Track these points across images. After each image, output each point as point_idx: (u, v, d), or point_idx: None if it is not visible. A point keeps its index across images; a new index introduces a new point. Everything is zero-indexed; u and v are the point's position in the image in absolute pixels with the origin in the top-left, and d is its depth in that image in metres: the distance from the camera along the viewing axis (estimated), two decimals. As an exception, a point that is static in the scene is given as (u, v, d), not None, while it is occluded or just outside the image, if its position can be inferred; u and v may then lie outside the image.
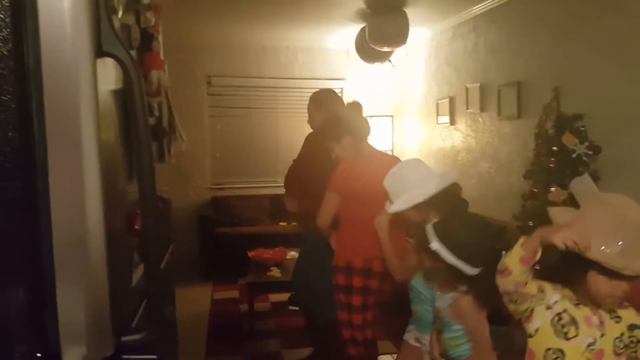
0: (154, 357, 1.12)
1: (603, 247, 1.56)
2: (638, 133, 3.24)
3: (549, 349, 1.70)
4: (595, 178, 3.35)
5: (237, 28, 6.04)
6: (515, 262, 1.65)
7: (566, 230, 1.58)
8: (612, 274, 1.57)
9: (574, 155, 3.42)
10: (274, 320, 4.66)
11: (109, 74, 1.25)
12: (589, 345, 1.67)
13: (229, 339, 4.27)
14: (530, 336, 1.75)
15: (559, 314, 1.70)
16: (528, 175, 3.76)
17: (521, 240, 1.67)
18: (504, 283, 1.71)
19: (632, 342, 1.69)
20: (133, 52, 1.48)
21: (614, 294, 1.62)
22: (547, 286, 1.74)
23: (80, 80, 1.03)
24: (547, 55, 4.08)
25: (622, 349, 1.69)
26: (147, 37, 1.75)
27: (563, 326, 1.69)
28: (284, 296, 4.95)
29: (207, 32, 6.18)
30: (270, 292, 4.99)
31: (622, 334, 1.70)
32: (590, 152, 3.41)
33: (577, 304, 1.71)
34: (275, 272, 4.53)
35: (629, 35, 3.28)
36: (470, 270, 1.92)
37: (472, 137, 5.29)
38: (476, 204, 5.00)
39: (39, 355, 1.04)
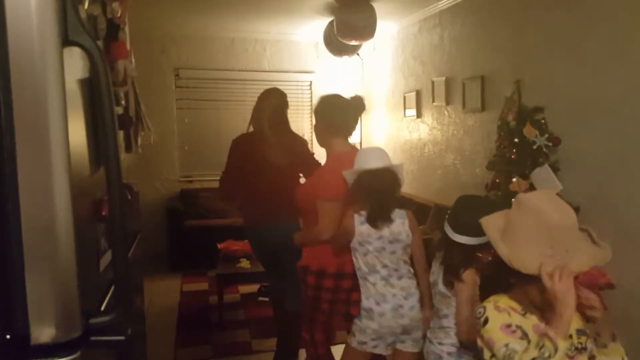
0: (122, 337, 1.15)
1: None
2: (595, 125, 3.35)
3: None
4: (555, 169, 3.46)
5: (205, 20, 6.02)
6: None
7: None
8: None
9: (534, 147, 3.50)
10: (243, 311, 4.69)
11: (75, 63, 1.27)
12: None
13: (198, 330, 4.29)
14: None
15: (514, 331, 1.58)
16: (491, 166, 3.84)
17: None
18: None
19: (577, 348, 1.61)
20: (99, 42, 1.50)
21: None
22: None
23: (47, 68, 1.05)
24: (509, 49, 4.18)
25: (573, 351, 1.59)
26: (114, 28, 1.77)
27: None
28: (253, 287, 4.99)
29: (175, 25, 6.15)
30: (240, 284, 5.02)
31: (570, 336, 1.59)
32: (550, 144, 3.51)
33: (524, 314, 1.61)
34: (244, 264, 4.57)
35: (584, 30, 3.39)
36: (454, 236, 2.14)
37: (438, 130, 5.39)
38: (442, 195, 5.13)
39: (7, 337, 1.06)
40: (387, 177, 2.47)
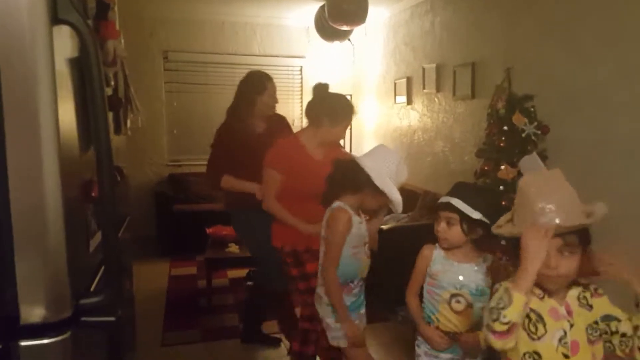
0: (112, 319, 1.15)
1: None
2: (583, 114, 3.37)
3: (524, 354, 1.63)
4: (543, 157, 3.47)
5: (195, 3, 5.95)
6: (519, 312, 1.49)
7: (535, 236, 1.50)
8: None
9: (523, 135, 3.52)
10: (232, 295, 4.70)
11: (65, 43, 1.25)
12: (560, 339, 1.61)
13: (186, 314, 4.29)
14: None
15: (527, 315, 1.60)
16: (480, 153, 3.85)
17: (508, 285, 1.50)
18: (510, 341, 1.51)
19: (606, 332, 1.62)
20: (89, 22, 1.48)
21: (546, 272, 1.55)
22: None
23: (36, 47, 1.04)
24: (500, 37, 4.18)
25: (595, 336, 1.62)
26: (103, 7, 1.75)
27: (531, 326, 1.61)
28: (242, 272, 4.99)
29: (164, 6, 6.08)
30: (229, 268, 5.03)
31: (595, 322, 1.63)
32: (539, 132, 3.52)
33: (541, 297, 1.64)
34: (233, 249, 4.57)
35: (576, 19, 3.40)
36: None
37: (428, 117, 5.39)
38: (431, 182, 5.15)
39: (-3, 317, 1.06)
40: (342, 167, 2.42)
